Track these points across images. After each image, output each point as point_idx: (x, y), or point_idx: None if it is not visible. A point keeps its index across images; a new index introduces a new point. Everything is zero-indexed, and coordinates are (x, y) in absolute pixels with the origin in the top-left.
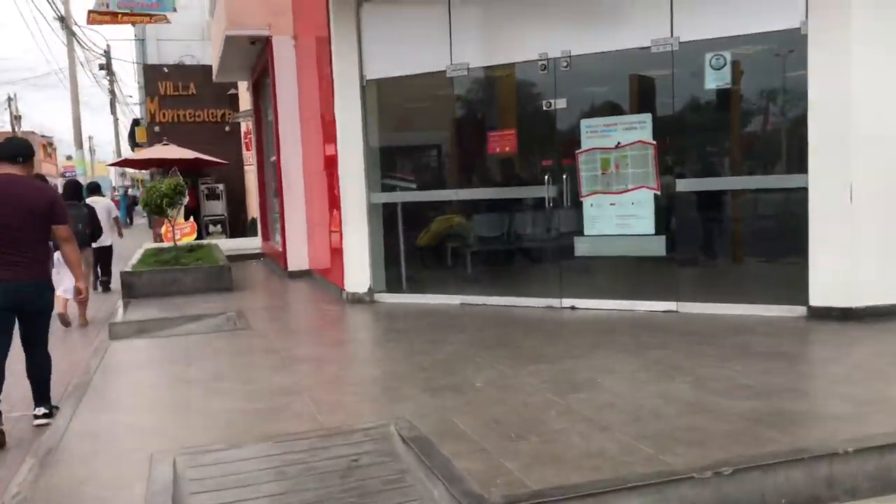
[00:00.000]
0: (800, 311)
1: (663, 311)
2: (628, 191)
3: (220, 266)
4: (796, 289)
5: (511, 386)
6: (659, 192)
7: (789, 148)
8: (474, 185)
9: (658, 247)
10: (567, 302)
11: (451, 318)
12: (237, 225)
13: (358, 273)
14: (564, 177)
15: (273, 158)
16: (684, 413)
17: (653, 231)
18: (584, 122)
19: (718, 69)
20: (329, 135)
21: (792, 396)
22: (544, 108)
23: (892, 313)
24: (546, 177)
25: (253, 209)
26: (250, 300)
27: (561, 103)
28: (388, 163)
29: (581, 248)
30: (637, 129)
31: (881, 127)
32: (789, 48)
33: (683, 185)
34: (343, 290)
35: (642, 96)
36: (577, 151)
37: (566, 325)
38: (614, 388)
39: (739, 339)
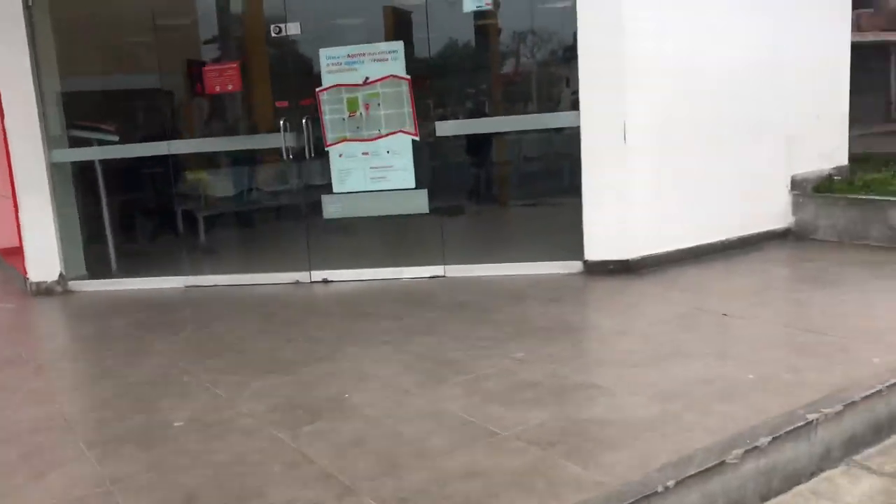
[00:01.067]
0: (576, 266)
1: (430, 278)
2: (382, 136)
3: None
4: (571, 242)
5: (224, 422)
6: (418, 138)
7: (562, 82)
8: (191, 134)
9: (420, 203)
10: (318, 275)
11: (168, 309)
12: None
13: (43, 255)
14: (305, 121)
15: None
16: (458, 444)
17: (413, 184)
18: (323, 53)
19: None
20: None
21: (587, 395)
22: (273, 34)
23: (667, 261)
24: (282, 122)
25: None
26: None
27: (293, 28)
28: (75, 109)
29: (331, 208)
30: (388, 62)
31: (656, 57)
32: None
33: (446, 128)
34: (26, 279)
35: (392, 21)
36: (317, 89)
37: (315, 308)
38: (367, 407)
39: (517, 309)
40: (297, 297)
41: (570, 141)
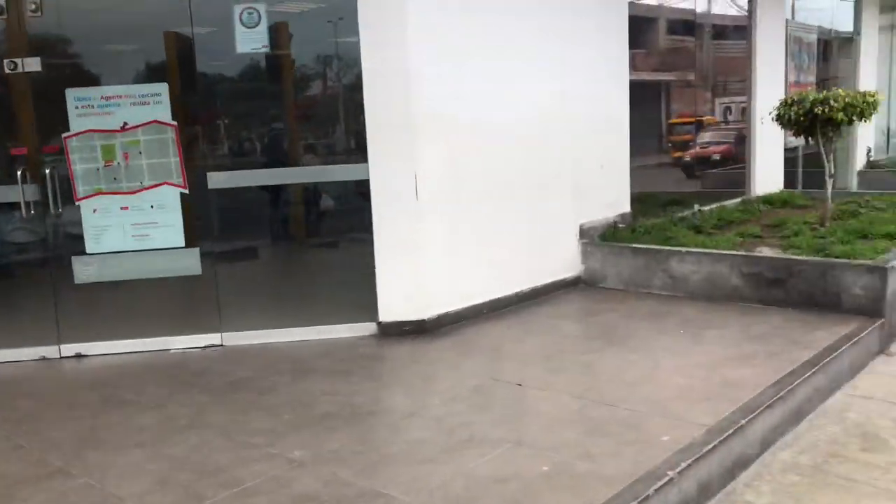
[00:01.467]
0: (370, 328)
1: (204, 348)
2: (145, 189)
3: None
4: (365, 303)
5: None
6: (187, 191)
7: (349, 132)
8: None
9: (192, 263)
10: (70, 349)
11: None
12: None
13: None
14: (49, 171)
15: None
16: None
17: (183, 243)
18: (71, 94)
19: (252, 27)
20: None
21: None
22: (6, 70)
23: (464, 318)
24: (20, 172)
25: None
26: None
27: (33, 64)
28: None
29: (84, 272)
30: (150, 105)
31: (447, 109)
32: (341, 10)
33: (219, 179)
34: None
35: (154, 59)
36: (65, 135)
37: (60, 395)
38: None
39: (300, 387)
40: (41, 379)
41: (360, 196)
